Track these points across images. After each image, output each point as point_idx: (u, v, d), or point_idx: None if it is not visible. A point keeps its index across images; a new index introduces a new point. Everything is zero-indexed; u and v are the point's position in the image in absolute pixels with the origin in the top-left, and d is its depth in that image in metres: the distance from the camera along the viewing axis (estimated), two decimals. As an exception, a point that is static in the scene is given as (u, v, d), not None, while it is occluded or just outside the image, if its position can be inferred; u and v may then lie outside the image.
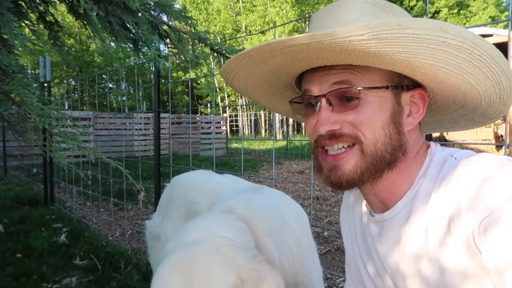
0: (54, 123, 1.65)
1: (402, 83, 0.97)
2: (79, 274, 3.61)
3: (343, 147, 0.97)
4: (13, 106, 1.66)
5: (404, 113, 0.99)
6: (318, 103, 0.97)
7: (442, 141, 14.28)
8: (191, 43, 2.12)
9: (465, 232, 0.83)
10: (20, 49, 1.62)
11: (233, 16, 29.31)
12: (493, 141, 12.61)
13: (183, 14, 1.97)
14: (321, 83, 0.97)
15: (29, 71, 24.71)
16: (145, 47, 2.00)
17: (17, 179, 8.99)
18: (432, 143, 1.06)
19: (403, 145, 0.98)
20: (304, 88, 1.03)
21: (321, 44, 0.81)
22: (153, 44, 2.08)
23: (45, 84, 5.98)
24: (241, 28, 28.87)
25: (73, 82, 14.91)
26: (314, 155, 1.06)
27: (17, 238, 4.40)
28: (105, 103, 24.24)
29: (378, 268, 1.13)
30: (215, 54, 2.17)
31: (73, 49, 23.03)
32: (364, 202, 1.19)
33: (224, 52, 2.17)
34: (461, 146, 12.97)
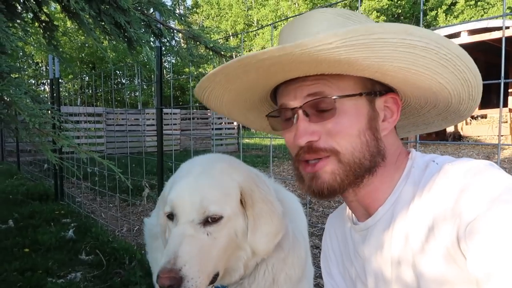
0: (45, 123, 1.67)
1: (375, 89, 0.97)
2: (84, 269, 3.67)
3: (319, 158, 0.97)
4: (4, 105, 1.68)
5: (380, 118, 0.99)
6: (295, 115, 0.97)
7: (457, 136, 14.02)
8: (186, 41, 2.11)
9: (448, 240, 0.83)
10: (11, 49, 1.62)
11: (244, 10, 29.21)
12: (510, 137, 12.36)
13: (176, 12, 1.96)
14: (296, 96, 0.97)
15: (43, 68, 25.14)
16: (139, 46, 2.01)
17: (30, 174, 9.18)
18: (412, 150, 1.06)
19: (381, 150, 0.98)
20: (280, 102, 1.04)
21: (292, 56, 0.80)
22: (148, 43, 2.07)
23: (54, 80, 6.06)
24: (253, 23, 28.76)
25: (87, 78, 15.05)
26: (295, 166, 1.06)
27: (26, 233, 4.50)
28: (119, 98, 24.49)
29: (358, 271, 1.13)
30: (210, 52, 2.15)
31: (86, 45, 23.25)
32: (347, 211, 1.19)
33: (219, 50, 2.15)
34: (478, 140, 12.73)
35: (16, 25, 1.87)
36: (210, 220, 1.23)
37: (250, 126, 1.36)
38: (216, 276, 1.26)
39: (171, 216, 1.28)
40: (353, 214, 1.14)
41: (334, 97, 0.93)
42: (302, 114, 0.96)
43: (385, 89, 1.00)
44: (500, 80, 1.49)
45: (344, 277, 1.24)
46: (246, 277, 1.40)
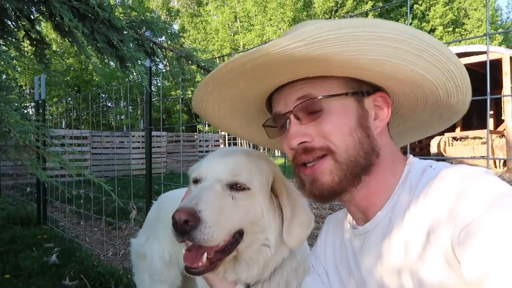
0: (36, 140, 1.64)
1: (362, 89, 1.01)
2: (68, 295, 3.53)
3: (317, 157, 0.99)
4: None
5: (370, 117, 1.01)
6: (287, 121, 1.02)
7: (440, 156, 14.24)
8: (177, 60, 2.13)
9: (444, 245, 0.83)
10: (3, 66, 1.61)
11: (231, 35, 29.68)
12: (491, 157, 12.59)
13: (168, 31, 1.99)
14: (286, 102, 1.02)
15: (27, 91, 24.81)
16: (131, 64, 2.01)
17: (11, 198, 8.90)
18: (410, 155, 1.07)
19: (375, 148, 1.00)
20: (274, 111, 1.09)
21: (269, 56, 0.85)
22: (139, 62, 2.08)
23: (40, 102, 5.98)
24: (239, 47, 29.20)
25: (71, 100, 14.93)
26: (296, 173, 1.09)
27: (6, 259, 4.32)
28: (104, 122, 24.22)
29: (357, 281, 1.12)
30: (202, 71, 2.18)
31: (72, 68, 23.13)
32: (348, 219, 1.19)
33: (211, 69, 2.17)
34: (461, 161, 12.94)
35: (8, 42, 1.86)
36: (237, 188, 1.21)
37: (252, 141, 1.39)
38: (238, 239, 1.22)
39: (196, 182, 1.27)
40: (353, 221, 1.15)
41: (320, 97, 0.96)
42: (293, 118, 1.00)
43: (373, 89, 1.03)
44: (486, 96, 1.53)
45: (330, 280, 1.23)
46: (262, 281, 1.38)
